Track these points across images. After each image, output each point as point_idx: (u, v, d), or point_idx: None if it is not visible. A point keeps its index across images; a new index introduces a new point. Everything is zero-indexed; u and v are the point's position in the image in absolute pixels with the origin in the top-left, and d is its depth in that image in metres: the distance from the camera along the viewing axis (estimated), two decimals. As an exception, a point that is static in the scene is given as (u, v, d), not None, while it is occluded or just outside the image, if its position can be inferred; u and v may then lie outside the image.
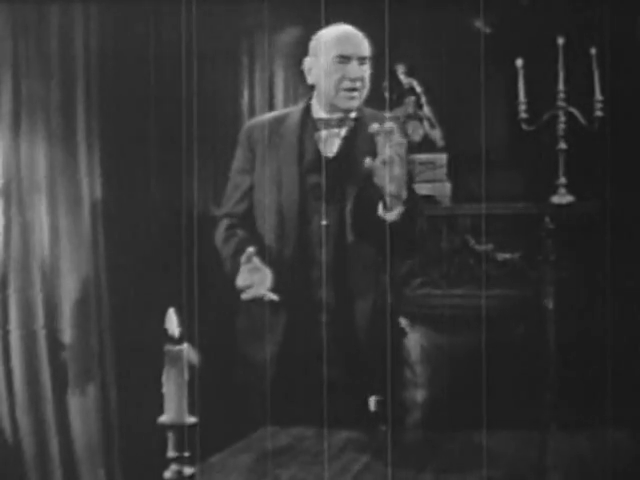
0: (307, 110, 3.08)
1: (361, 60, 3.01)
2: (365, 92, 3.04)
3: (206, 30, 3.24)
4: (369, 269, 3.04)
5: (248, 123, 3.20)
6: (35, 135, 3.40)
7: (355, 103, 3.02)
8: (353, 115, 3.05)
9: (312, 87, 3.07)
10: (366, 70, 3.03)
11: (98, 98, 3.41)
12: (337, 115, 3.04)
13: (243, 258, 2.93)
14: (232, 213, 3.11)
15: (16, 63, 3.38)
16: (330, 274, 3.01)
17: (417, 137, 3.60)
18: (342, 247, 3.02)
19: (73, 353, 3.40)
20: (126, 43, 3.34)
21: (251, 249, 2.93)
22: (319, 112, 3.07)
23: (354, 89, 3.01)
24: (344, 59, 3.00)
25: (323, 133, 3.06)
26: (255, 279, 2.96)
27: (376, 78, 3.15)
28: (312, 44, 3.06)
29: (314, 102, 3.08)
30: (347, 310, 3.04)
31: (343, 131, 3.06)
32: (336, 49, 3.01)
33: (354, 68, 2.99)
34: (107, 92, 3.39)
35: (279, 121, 3.11)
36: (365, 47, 3.02)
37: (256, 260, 2.95)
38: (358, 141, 3.04)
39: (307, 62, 3.06)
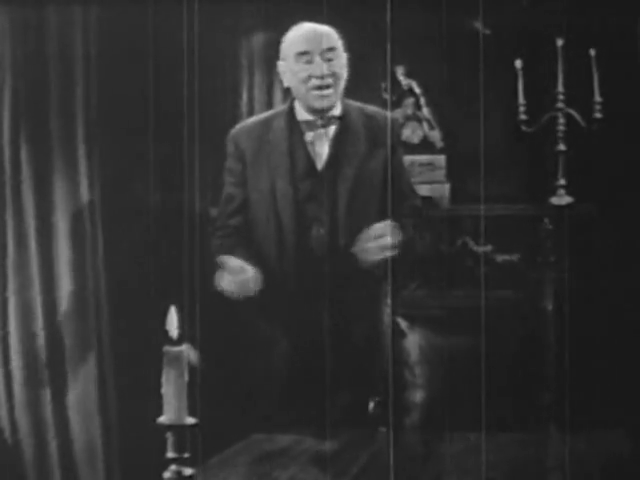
0: (291, 113, 3.02)
1: (324, 54, 2.93)
2: (341, 86, 2.97)
3: (206, 31, 3.24)
4: (368, 272, 3.04)
5: (233, 131, 3.10)
6: (34, 137, 3.40)
7: (329, 101, 2.95)
8: (337, 113, 3.01)
9: (289, 90, 3.03)
10: (335, 65, 2.95)
11: (97, 99, 3.40)
12: (317, 116, 2.98)
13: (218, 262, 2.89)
14: (226, 225, 3.05)
15: (15, 64, 3.38)
16: (328, 279, 3.01)
17: (416, 139, 3.60)
18: (337, 253, 3.02)
19: (72, 354, 3.40)
20: (125, 44, 3.34)
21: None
22: (302, 114, 3.02)
23: (324, 86, 2.94)
24: (305, 55, 2.92)
25: (310, 135, 3.01)
26: (238, 280, 2.91)
27: (375, 79, 3.14)
28: (281, 47, 3.01)
29: (296, 104, 3.03)
30: (346, 312, 3.04)
31: (331, 131, 3.02)
32: (296, 47, 2.94)
33: (318, 65, 2.92)
34: (106, 93, 3.39)
35: (264, 126, 3.04)
36: (328, 39, 2.92)
37: (237, 261, 2.91)
38: (348, 141, 3.01)
39: (280, 65, 3.01)
